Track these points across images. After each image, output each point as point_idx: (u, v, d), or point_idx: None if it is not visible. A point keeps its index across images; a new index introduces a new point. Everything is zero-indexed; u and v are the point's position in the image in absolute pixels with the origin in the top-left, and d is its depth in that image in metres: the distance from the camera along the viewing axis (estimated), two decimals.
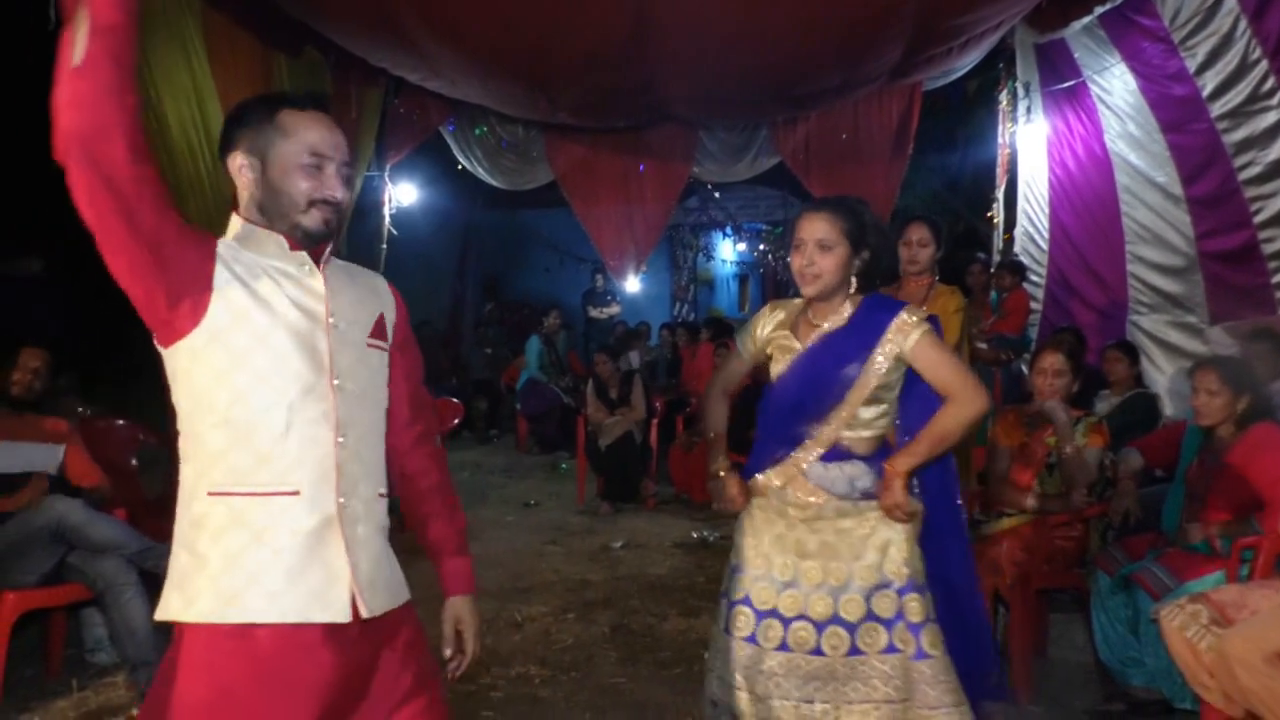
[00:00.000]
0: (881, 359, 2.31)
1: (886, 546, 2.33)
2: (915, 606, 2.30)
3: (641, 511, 6.74)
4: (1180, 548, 3.34)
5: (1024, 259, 7.39)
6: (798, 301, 2.50)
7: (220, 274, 1.60)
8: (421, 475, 1.87)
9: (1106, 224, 6.73)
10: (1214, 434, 3.42)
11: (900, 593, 2.31)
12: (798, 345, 2.41)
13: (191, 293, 1.57)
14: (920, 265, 3.93)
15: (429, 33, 5.70)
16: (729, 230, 16.27)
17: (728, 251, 17.50)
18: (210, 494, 1.58)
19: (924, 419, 2.35)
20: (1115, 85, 6.46)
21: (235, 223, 1.71)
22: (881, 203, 8.05)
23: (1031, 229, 7.61)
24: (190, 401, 1.61)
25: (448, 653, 1.86)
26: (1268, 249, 5.49)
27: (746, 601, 2.41)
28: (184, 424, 1.63)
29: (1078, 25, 6.37)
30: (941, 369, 2.30)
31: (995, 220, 7.92)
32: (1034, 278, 7.35)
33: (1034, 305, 7.24)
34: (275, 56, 6.66)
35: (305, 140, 1.67)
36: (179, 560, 1.59)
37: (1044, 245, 7.45)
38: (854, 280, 2.39)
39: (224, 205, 6.24)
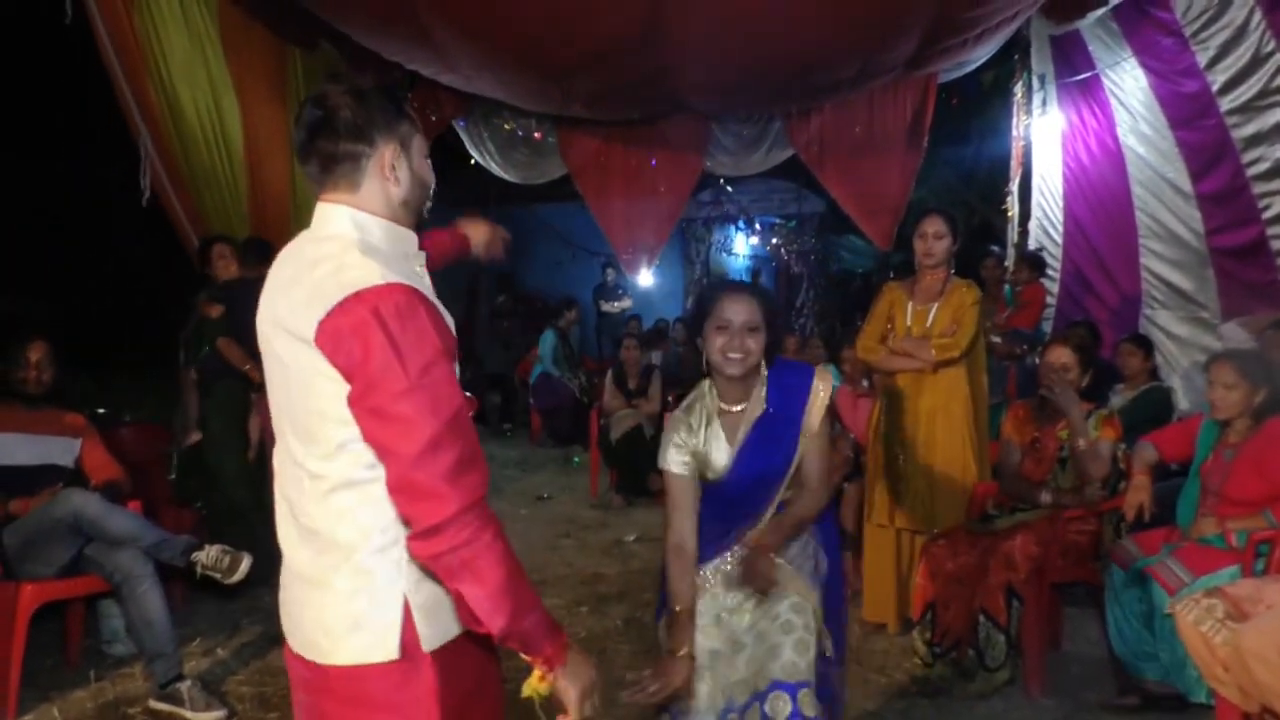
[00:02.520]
0: (806, 430, 2.40)
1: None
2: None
3: (654, 505, 6.74)
4: (1195, 542, 3.32)
5: (1040, 253, 7.36)
6: (697, 396, 2.48)
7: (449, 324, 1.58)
8: None
9: (1119, 218, 6.70)
10: (1230, 428, 3.40)
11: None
12: (727, 446, 2.42)
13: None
14: (936, 259, 3.92)
15: (443, 26, 5.70)
16: (742, 224, 16.24)
17: (741, 245, 17.46)
18: None
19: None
20: (1126, 80, 6.43)
21: (368, 220, 1.58)
22: (896, 196, 8.02)
23: (1046, 222, 7.57)
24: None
25: None
26: (1277, 245, 5.46)
27: None
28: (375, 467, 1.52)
29: (1093, 16, 6.33)
30: (815, 451, 2.41)
31: (1010, 213, 7.88)
32: (1049, 271, 7.32)
33: (1049, 299, 7.20)
34: (290, 51, 6.68)
35: (422, 129, 1.68)
36: (419, 593, 1.55)
37: (1058, 239, 7.41)
38: (763, 359, 2.43)
39: (239, 197, 6.30)
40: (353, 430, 1.49)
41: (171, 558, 3.51)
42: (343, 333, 1.43)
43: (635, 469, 6.87)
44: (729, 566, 2.45)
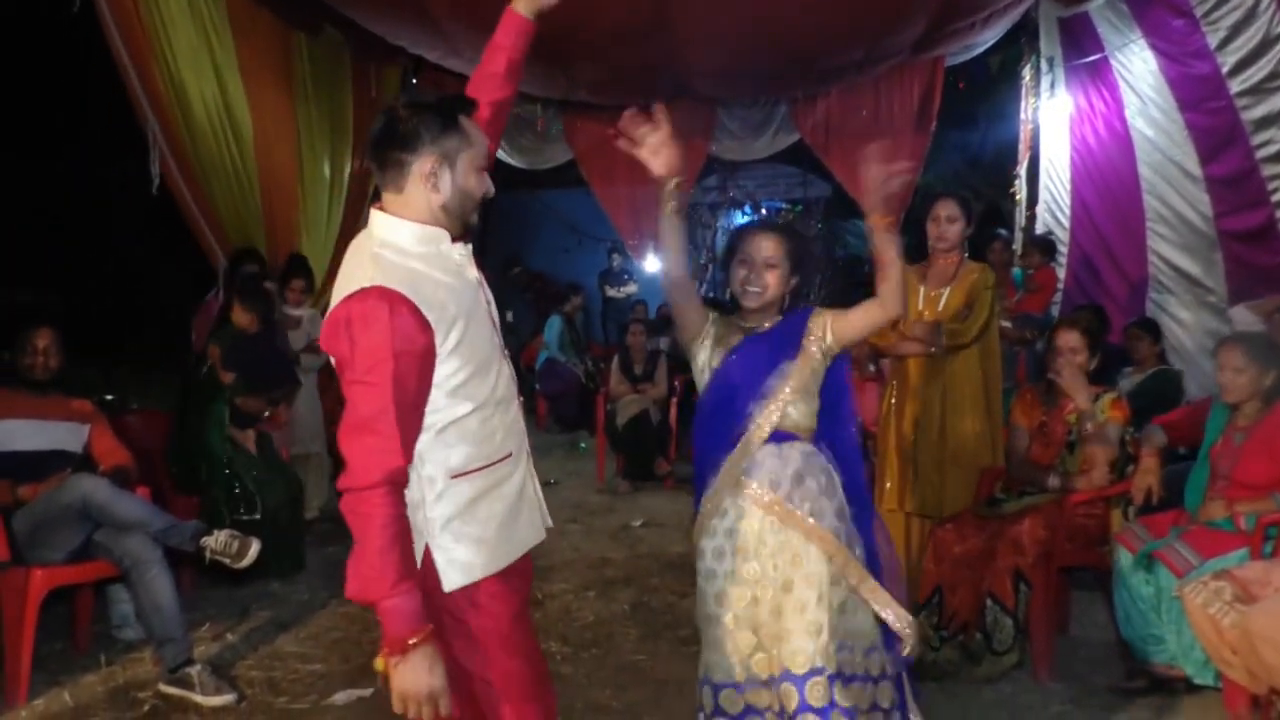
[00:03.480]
0: (810, 340, 2.47)
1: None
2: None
3: (661, 490, 6.75)
4: (1204, 525, 3.31)
5: (1050, 236, 7.33)
6: (730, 318, 2.62)
7: (434, 319, 1.74)
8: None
9: (1127, 202, 6.67)
10: (1239, 411, 3.39)
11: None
12: (733, 341, 2.55)
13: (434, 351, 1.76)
14: (949, 242, 3.89)
15: (449, 10, 5.68)
16: (748, 209, 16.19)
17: None
18: (453, 477, 1.81)
19: (839, 410, 2.55)
20: (1135, 63, 6.39)
21: (394, 222, 1.81)
22: (904, 180, 7.98)
23: (1054, 206, 7.53)
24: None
25: None
26: None
27: None
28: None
29: None
30: (847, 312, 2.50)
31: (1018, 197, 7.84)
32: (1058, 255, 7.28)
33: (1057, 284, 7.18)
34: (295, 36, 6.67)
35: (482, 145, 1.87)
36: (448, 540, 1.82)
37: (1066, 223, 7.37)
38: (786, 299, 2.55)
39: (248, 186, 6.31)
40: None
41: (180, 543, 3.52)
42: (330, 327, 1.75)
43: (642, 454, 6.88)
44: (727, 507, 2.47)
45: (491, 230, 14.26)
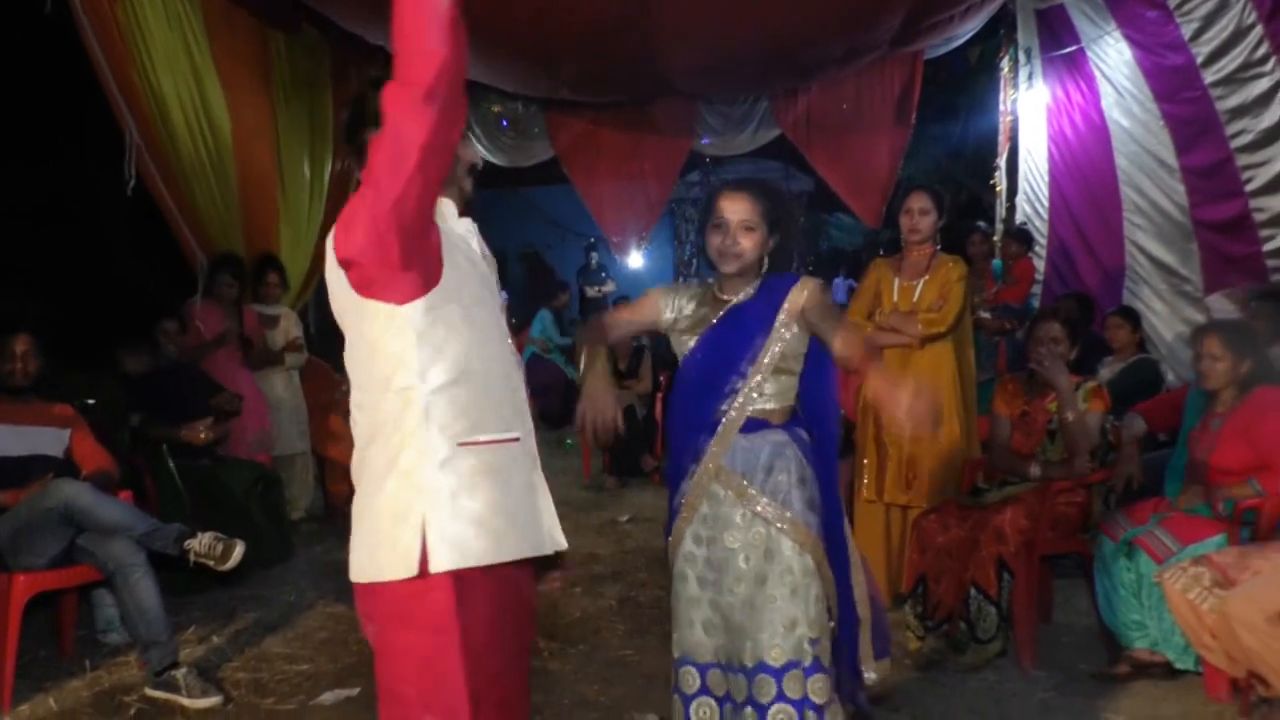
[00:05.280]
0: (785, 318, 2.39)
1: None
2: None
3: (648, 485, 6.76)
4: (1183, 511, 3.35)
5: (1028, 227, 7.37)
6: (708, 283, 2.56)
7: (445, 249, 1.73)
8: None
9: (1104, 193, 6.71)
10: (1217, 398, 3.43)
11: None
12: (711, 319, 2.47)
13: (431, 258, 1.69)
14: (922, 234, 3.92)
15: None
16: None
17: None
18: (460, 444, 1.70)
19: (821, 392, 2.48)
20: (1111, 54, 6.43)
21: None
22: (885, 173, 8.01)
23: (1033, 197, 7.58)
24: (420, 355, 1.68)
25: None
26: (1259, 217, 5.48)
27: None
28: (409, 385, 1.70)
29: None
30: (824, 327, 2.36)
31: (998, 188, 7.88)
32: (1036, 246, 7.33)
33: (1036, 275, 7.22)
34: (273, 35, 6.63)
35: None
36: (438, 517, 1.69)
37: (1045, 214, 7.42)
38: (765, 260, 2.46)
39: (227, 186, 6.27)
40: (379, 358, 1.69)
41: (164, 546, 3.50)
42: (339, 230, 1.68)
43: (628, 450, 6.88)
44: (712, 488, 2.43)
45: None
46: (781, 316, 2.39)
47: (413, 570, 1.65)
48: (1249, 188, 5.51)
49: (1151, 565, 3.19)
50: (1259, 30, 5.22)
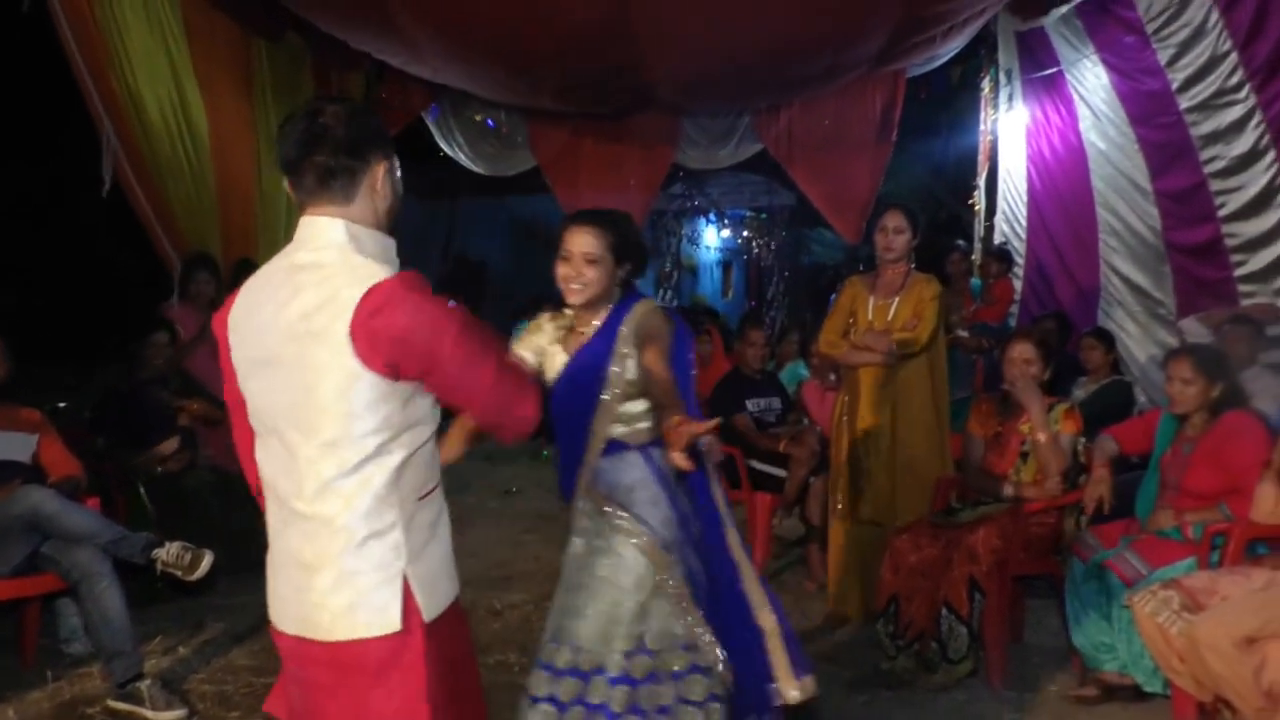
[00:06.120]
0: (622, 344, 2.44)
1: None
2: None
3: None
4: (1153, 534, 3.37)
5: (1007, 247, 7.42)
6: (569, 314, 2.59)
7: None
8: None
9: (1080, 214, 6.78)
10: (1188, 422, 3.45)
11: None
12: (564, 357, 2.54)
13: None
14: (896, 253, 3.94)
15: (410, 16, 5.65)
16: (712, 216, 16.25)
17: (711, 237, 17.46)
18: (419, 499, 1.72)
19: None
20: (1089, 78, 6.51)
21: (368, 233, 1.72)
22: (865, 191, 8.04)
23: (1011, 217, 7.64)
24: (402, 419, 1.67)
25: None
26: (1231, 243, 5.54)
27: None
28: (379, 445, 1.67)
29: (1057, 13, 6.39)
30: (651, 372, 2.39)
31: (977, 208, 7.94)
32: (1014, 267, 7.38)
33: (1015, 295, 7.27)
34: (255, 42, 6.60)
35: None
36: (418, 569, 1.70)
37: (1023, 234, 7.48)
38: (617, 290, 2.51)
39: (204, 190, 6.23)
40: (359, 424, 1.63)
41: (131, 555, 3.46)
42: (379, 318, 1.59)
43: None
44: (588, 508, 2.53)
45: (457, 237, 14.24)
46: (619, 344, 2.46)
47: (395, 626, 1.66)
48: (1221, 213, 5.57)
49: (1122, 588, 3.20)
50: (1234, 58, 5.29)
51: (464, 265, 12.07)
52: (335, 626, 1.67)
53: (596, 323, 2.51)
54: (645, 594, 2.39)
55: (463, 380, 1.68)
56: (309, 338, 1.63)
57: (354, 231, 1.69)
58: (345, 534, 1.65)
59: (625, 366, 2.44)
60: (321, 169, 1.67)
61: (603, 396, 2.46)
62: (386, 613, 1.66)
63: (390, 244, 1.76)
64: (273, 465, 1.74)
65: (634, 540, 2.42)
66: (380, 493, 1.65)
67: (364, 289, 1.59)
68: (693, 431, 2.08)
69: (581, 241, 2.44)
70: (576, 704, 2.36)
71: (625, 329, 2.45)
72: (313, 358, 1.63)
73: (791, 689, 2.51)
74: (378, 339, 1.59)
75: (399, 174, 1.79)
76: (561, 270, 2.46)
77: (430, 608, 1.70)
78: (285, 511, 1.72)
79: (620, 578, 2.40)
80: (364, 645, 1.66)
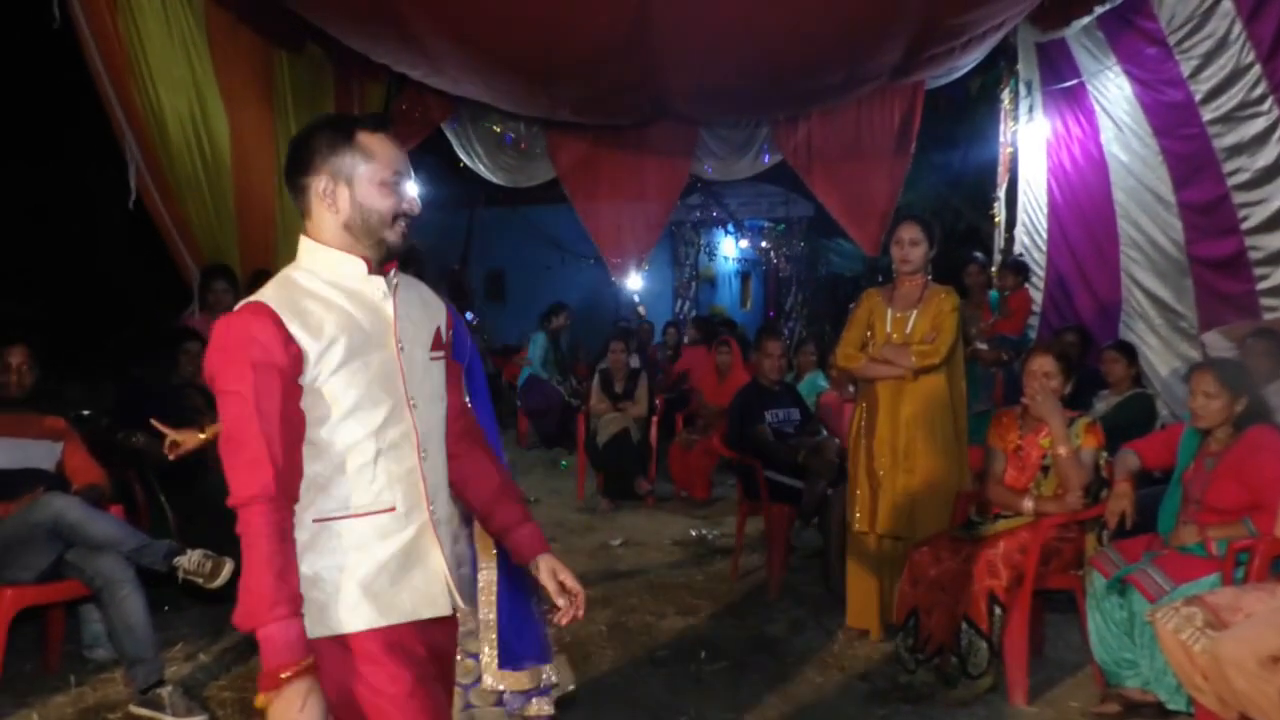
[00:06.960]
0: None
1: None
2: None
3: (641, 509, 6.75)
4: (1176, 550, 3.34)
5: (1025, 259, 7.39)
6: None
7: (307, 348, 1.67)
8: (483, 476, 2.01)
9: (1101, 227, 6.74)
10: (1211, 436, 3.42)
11: None
12: None
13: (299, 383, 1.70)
14: (913, 265, 3.93)
15: (431, 29, 5.70)
16: (731, 227, 16.26)
17: (730, 248, 17.46)
18: (315, 520, 1.70)
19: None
20: (1111, 89, 6.48)
21: (311, 246, 1.77)
22: (884, 202, 8.04)
23: (1031, 229, 7.61)
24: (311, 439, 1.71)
25: (561, 602, 2.02)
26: (1255, 255, 5.49)
27: None
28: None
29: (1078, 25, 6.37)
30: None
31: (997, 220, 7.92)
32: (1034, 278, 7.35)
33: (1034, 307, 7.24)
34: (277, 53, 6.67)
35: (386, 159, 1.77)
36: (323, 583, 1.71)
37: (1043, 246, 7.45)
38: None
39: (224, 202, 6.28)
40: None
41: (153, 563, 3.48)
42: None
43: (622, 473, 6.87)
44: None
45: (476, 247, 14.30)
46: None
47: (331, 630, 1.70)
48: (1245, 225, 5.53)
49: (1144, 603, 3.18)
50: (1257, 70, 5.25)
51: (455, 277, 11.98)
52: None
53: None
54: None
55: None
56: None
57: (306, 246, 1.78)
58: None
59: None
60: (291, 188, 1.80)
61: None
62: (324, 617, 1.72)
63: (350, 269, 1.76)
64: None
65: None
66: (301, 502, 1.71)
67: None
68: None
69: None
70: None
71: None
72: None
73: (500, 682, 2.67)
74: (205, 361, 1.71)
75: (372, 187, 1.75)
76: None
77: (309, 628, 1.65)
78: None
79: None
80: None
